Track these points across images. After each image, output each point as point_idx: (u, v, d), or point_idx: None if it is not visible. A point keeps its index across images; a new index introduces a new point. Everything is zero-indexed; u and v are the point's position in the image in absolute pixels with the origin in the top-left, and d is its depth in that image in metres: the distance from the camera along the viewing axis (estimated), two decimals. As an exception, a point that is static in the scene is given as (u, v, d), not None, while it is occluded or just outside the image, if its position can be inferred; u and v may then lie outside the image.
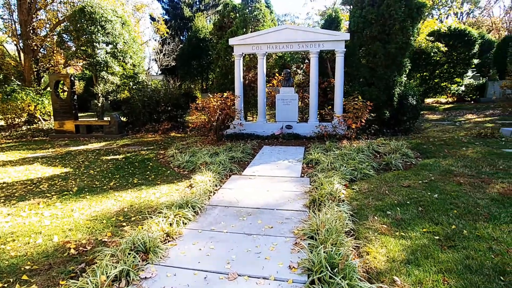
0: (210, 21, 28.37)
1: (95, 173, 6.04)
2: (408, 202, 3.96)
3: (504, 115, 13.16)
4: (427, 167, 5.51)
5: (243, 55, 9.33)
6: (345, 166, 5.48)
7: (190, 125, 8.48)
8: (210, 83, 23.45)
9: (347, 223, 3.24)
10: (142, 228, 3.27)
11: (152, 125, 11.54)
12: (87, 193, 4.77)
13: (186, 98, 12.64)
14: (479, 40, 18.71)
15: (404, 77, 9.47)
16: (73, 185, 5.21)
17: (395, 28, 8.60)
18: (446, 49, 17.16)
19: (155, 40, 30.49)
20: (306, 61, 13.96)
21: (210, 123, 8.47)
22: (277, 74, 10.81)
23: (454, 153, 6.54)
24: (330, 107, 11.14)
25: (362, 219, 3.58)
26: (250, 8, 9.84)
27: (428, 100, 19.42)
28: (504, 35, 29.75)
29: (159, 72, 28.16)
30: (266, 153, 7.30)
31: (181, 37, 30.33)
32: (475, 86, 19.51)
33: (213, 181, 5.11)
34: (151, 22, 28.84)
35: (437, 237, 3.08)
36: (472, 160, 5.85)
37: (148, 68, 26.42)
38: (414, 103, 9.63)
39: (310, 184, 4.95)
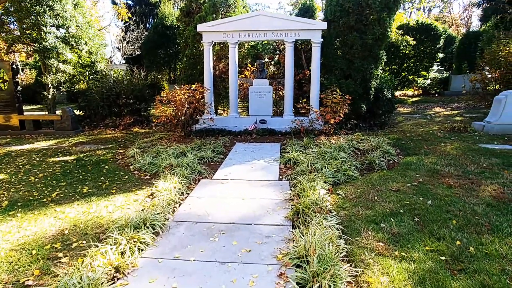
0: (177, 8, 26.77)
1: (36, 180, 5.06)
2: (401, 211, 3.53)
3: (469, 108, 13.53)
4: (412, 166, 5.18)
5: (213, 43, 8.53)
6: (327, 167, 5.00)
7: (154, 120, 7.61)
8: (178, 73, 22.19)
9: (340, 246, 2.71)
10: (83, 262, 2.52)
11: (112, 119, 10.42)
12: (20, 209, 3.86)
13: (152, 90, 11.58)
14: (444, 35, 19.21)
15: (380, 69, 9.21)
16: (4, 198, 4.24)
17: (372, 18, 8.23)
18: (414, 42, 17.40)
19: (117, 27, 28.44)
20: (278, 52, 13.40)
21: (177, 118, 7.64)
22: (249, 65, 10.13)
23: (434, 150, 6.32)
24: (305, 100, 10.70)
25: (354, 234, 3.08)
26: (219, -8, 9.01)
27: (396, 93, 19.72)
28: (462, 31, 31.18)
29: (123, 61, 26.29)
30: (239, 151, 6.66)
31: (147, 24, 28.46)
32: (439, 80, 20.13)
33: (179, 188, 4.39)
34: (112, 6, 26.76)
35: (443, 258, 2.64)
36: (455, 158, 5.63)
37: (111, 57, 24.50)
38: (390, 96, 9.43)
39: (290, 189, 4.40)
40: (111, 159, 6.34)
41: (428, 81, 19.69)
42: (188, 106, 7.51)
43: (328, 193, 4.19)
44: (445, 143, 6.93)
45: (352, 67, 8.56)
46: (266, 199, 4.12)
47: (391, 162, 5.54)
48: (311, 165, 5.20)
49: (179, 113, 7.58)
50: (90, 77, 11.11)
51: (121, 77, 10.72)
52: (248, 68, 10.06)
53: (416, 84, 19.55)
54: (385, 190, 4.16)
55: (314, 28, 7.94)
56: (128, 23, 24.02)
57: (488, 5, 20.86)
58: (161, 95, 7.48)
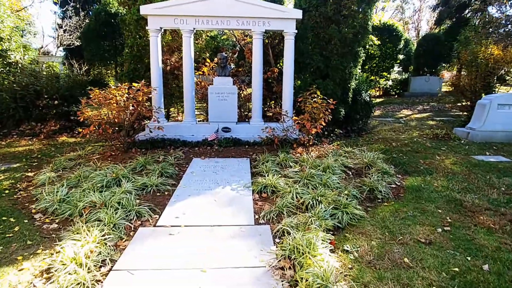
0: (124, -5, 23.81)
1: None
2: (457, 290, 2.27)
3: (434, 110, 13.34)
4: (423, 194, 4.03)
5: (162, 30, 6.76)
6: (319, 200, 3.64)
7: (80, 130, 5.65)
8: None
9: None
10: None
11: (31, 125, 8.09)
12: None
13: (94, 87, 9.42)
14: (404, 36, 19.27)
15: (359, 69, 8.17)
16: None
17: (352, 9, 7.09)
18: (379, 42, 17.05)
19: (53, 12, 24.85)
20: (237, 47, 11.88)
21: (113, 128, 5.80)
22: (208, 60, 8.49)
23: (433, 165, 5.31)
24: (273, 102, 9.38)
25: None
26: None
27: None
28: (412, 34, 32.46)
29: (61, 53, 22.87)
30: (197, 172, 5.05)
31: (90, 12, 25.12)
32: (399, 81, 20.27)
33: (99, 252, 2.71)
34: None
35: None
36: (465, 178, 4.62)
37: (42, 47, 21.04)
38: (368, 99, 8.47)
39: (275, 244, 2.95)
40: (8, 191, 4.35)
41: (390, 82, 19.63)
42: (130, 112, 5.70)
43: (331, 249, 2.82)
44: (439, 155, 6.00)
45: (330, 65, 7.37)
46: (241, 268, 2.61)
47: (394, 186, 4.36)
48: (297, 196, 3.81)
49: (117, 120, 5.73)
50: (1, 70, 8.60)
51: (46, 71, 8.39)
52: (206, 64, 8.42)
53: (378, 85, 19.37)
54: (412, 243, 2.89)
55: (288, 16, 6.57)
56: (65, 8, 20.82)
57: (443, 8, 21.38)
58: (90, 96, 5.56)
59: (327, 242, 2.86)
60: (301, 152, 5.90)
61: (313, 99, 5.80)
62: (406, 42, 22.17)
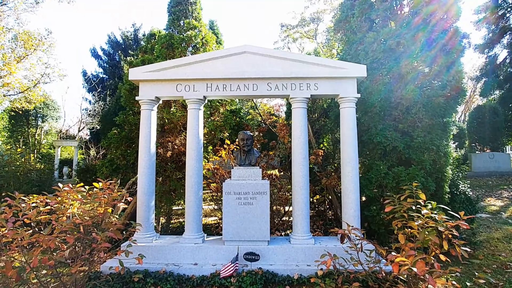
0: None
1: None
2: None
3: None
4: None
5: (159, 101, 4.66)
6: None
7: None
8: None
9: None
10: None
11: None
12: None
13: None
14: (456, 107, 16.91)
15: (452, 148, 5.47)
16: None
17: (438, 64, 4.78)
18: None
19: (85, 100, 25.81)
20: (263, 125, 9.81)
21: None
22: (227, 141, 6.19)
23: None
24: (317, 196, 6.69)
25: None
26: (180, 27, 5.53)
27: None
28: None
29: (87, 135, 22.60)
30: None
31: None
32: (457, 160, 17.15)
33: None
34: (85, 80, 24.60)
35: None
36: None
37: (60, 131, 20.64)
38: (469, 191, 5.56)
39: None
40: None
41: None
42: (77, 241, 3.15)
43: None
44: None
45: (413, 145, 4.73)
46: None
47: None
48: None
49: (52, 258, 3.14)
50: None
51: (8, 161, 6.39)
52: (225, 146, 6.10)
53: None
54: None
55: (346, 75, 4.29)
56: (92, 93, 21.11)
57: (487, 79, 19.28)
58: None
59: None
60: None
61: (423, 211, 2.97)
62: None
